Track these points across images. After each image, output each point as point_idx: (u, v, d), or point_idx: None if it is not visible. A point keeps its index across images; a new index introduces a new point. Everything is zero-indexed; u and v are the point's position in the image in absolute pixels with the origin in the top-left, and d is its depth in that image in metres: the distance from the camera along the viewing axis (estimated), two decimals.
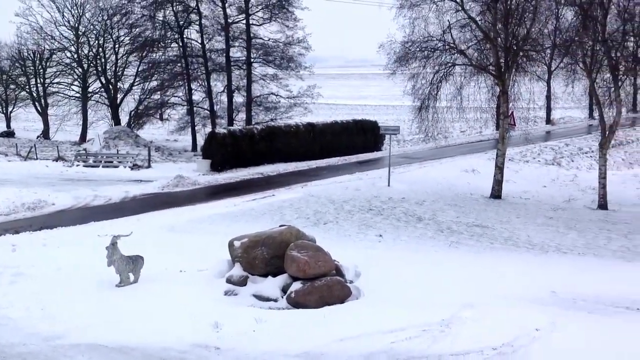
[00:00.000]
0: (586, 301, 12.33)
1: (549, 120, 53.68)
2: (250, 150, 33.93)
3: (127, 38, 45.37)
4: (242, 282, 12.58)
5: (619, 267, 15.84)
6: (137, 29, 42.98)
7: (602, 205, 25.21)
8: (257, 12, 41.15)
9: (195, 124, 42.19)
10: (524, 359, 9.21)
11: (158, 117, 48.41)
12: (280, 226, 14.13)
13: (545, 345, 9.59)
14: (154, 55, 43.60)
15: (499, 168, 26.77)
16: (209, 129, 39.28)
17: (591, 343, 9.69)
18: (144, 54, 43.83)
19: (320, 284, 12.04)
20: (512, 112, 29.44)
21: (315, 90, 41.90)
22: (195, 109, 42.22)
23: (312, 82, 42.02)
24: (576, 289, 13.05)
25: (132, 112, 46.80)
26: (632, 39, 25.93)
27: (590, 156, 37.10)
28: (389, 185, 27.09)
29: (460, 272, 14.34)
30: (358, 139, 39.72)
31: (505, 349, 9.50)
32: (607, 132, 25.72)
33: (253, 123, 39.66)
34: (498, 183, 26.72)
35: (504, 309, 11.18)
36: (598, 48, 25.34)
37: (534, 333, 10.00)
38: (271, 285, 12.37)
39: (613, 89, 25.30)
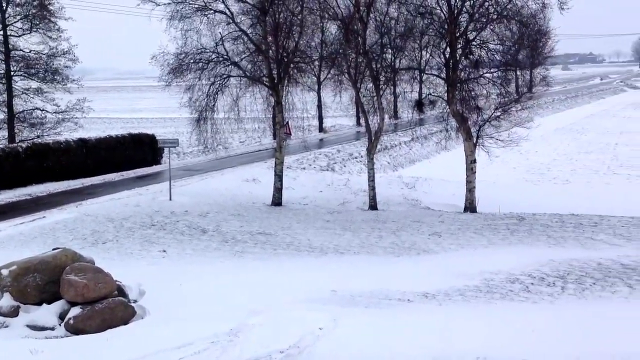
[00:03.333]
0: (363, 297, 13.14)
1: (321, 129, 56.36)
2: (15, 170, 31.27)
3: None
4: (13, 313, 11.58)
5: (390, 262, 17.11)
6: None
7: (373, 206, 27.08)
8: (15, 22, 38.12)
9: None
10: (310, 358, 9.56)
11: None
12: (54, 249, 13.23)
13: (328, 342, 10.05)
14: None
15: (278, 176, 27.59)
16: None
17: (369, 335, 10.35)
18: None
19: (101, 307, 11.48)
20: (288, 122, 30.55)
21: (85, 104, 39.81)
22: None
23: (82, 96, 39.89)
24: (354, 287, 13.86)
25: None
26: (389, 51, 28.18)
27: (360, 161, 39.65)
28: (170, 199, 26.62)
29: (246, 280, 14.51)
30: (135, 153, 38.43)
31: (292, 350, 9.79)
32: (373, 138, 27.71)
33: (17, 141, 36.60)
34: (278, 190, 27.51)
35: (289, 311, 11.53)
36: (360, 60, 27.22)
37: (317, 332, 10.44)
38: (46, 313, 11.54)
39: (376, 97, 27.33)
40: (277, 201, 27.37)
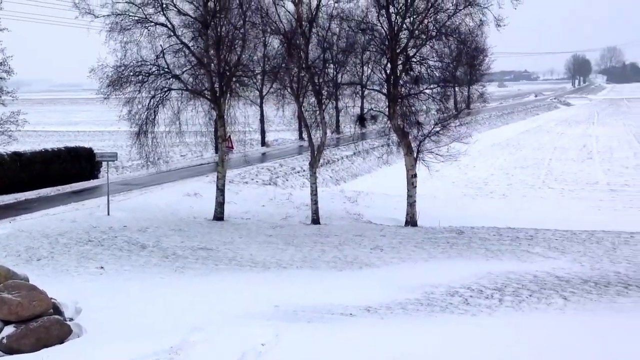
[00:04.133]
0: (305, 311, 13.11)
1: (264, 143, 56.30)
2: None
3: None
4: None
5: (332, 276, 17.15)
6: None
7: (315, 220, 27.13)
8: None
9: None
10: None
11: None
12: None
13: (271, 358, 9.97)
14: None
15: (220, 190, 27.37)
16: None
17: (312, 349, 10.32)
18: None
19: (36, 326, 11.10)
20: (230, 136, 30.37)
21: (20, 116, 38.61)
22: None
23: (16, 108, 38.70)
24: (297, 301, 13.82)
25: None
26: (331, 66, 28.43)
27: (303, 175, 39.73)
28: (108, 214, 26.06)
29: (187, 297, 14.29)
30: (72, 167, 37.51)
31: None
32: (316, 152, 27.83)
33: None
34: (220, 205, 27.27)
35: (231, 328, 11.39)
36: (303, 74, 27.35)
37: (260, 348, 10.34)
38: None
39: (318, 112, 27.48)
40: (219, 216, 27.13)
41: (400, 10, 26.51)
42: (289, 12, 27.64)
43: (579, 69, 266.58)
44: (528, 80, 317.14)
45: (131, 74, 26.38)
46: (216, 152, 34.44)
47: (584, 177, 43.89)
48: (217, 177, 27.77)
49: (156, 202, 29.57)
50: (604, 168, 47.69)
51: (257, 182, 36.80)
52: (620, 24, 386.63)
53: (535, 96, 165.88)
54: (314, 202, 27.33)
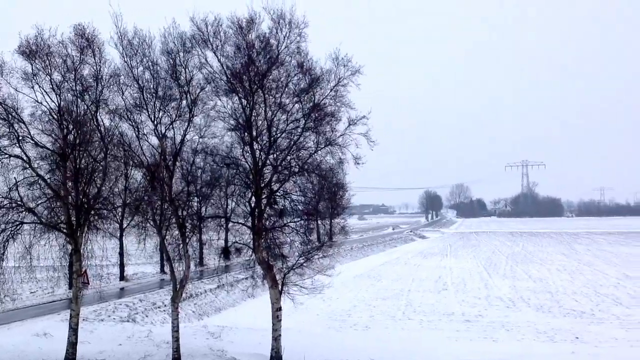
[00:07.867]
0: None
1: (122, 277, 54.02)
2: None
3: None
4: None
5: None
6: None
7: (176, 359, 25.87)
8: None
9: None
10: None
11: None
12: None
13: None
14: None
15: (73, 329, 25.63)
16: None
17: None
18: None
19: None
20: (86, 270, 28.97)
21: None
22: None
23: None
24: None
25: None
26: (195, 199, 28.35)
27: (164, 310, 38.21)
28: None
29: None
30: None
31: None
32: (179, 286, 27.02)
33: None
34: (72, 345, 25.44)
35: None
36: (166, 207, 27.01)
37: None
38: None
39: (182, 245, 26.99)
40: (70, 357, 25.21)
41: (264, 147, 27.32)
42: (152, 145, 27.62)
43: (432, 203, 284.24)
44: (386, 213, 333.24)
45: None
46: (70, 288, 32.55)
47: (441, 307, 45.48)
48: (70, 315, 26.05)
49: (1, 343, 27.09)
50: (458, 299, 49.76)
51: (114, 319, 34.87)
52: (466, 164, 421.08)
53: (393, 229, 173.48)
54: (175, 339, 26.19)
